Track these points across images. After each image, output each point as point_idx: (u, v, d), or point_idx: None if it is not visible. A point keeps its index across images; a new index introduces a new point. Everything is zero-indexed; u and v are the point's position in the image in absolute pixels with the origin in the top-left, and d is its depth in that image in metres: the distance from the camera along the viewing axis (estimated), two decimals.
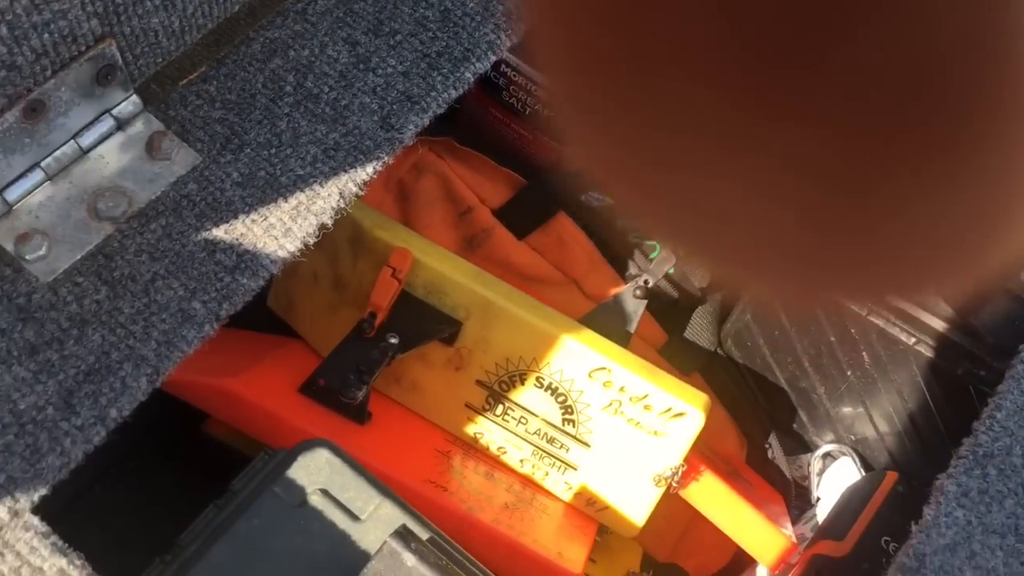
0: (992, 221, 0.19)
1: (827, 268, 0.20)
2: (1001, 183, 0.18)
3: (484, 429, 0.86)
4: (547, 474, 0.86)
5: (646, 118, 0.18)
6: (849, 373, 0.95)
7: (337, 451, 0.66)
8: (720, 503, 0.86)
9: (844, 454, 1.00)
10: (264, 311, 0.91)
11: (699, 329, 1.04)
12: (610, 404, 0.82)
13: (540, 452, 0.86)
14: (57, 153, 0.62)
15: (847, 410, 0.98)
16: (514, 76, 0.93)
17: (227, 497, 0.66)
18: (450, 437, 0.87)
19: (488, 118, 0.99)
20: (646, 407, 0.81)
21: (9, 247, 0.60)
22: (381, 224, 0.84)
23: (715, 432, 0.99)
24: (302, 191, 0.65)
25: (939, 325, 0.88)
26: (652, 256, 1.00)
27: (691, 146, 0.18)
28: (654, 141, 0.18)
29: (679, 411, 0.80)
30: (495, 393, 0.85)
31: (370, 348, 0.80)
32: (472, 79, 0.71)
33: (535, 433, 0.85)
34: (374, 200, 0.96)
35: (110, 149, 0.65)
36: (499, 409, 0.85)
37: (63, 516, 0.58)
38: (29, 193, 0.62)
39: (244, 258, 0.62)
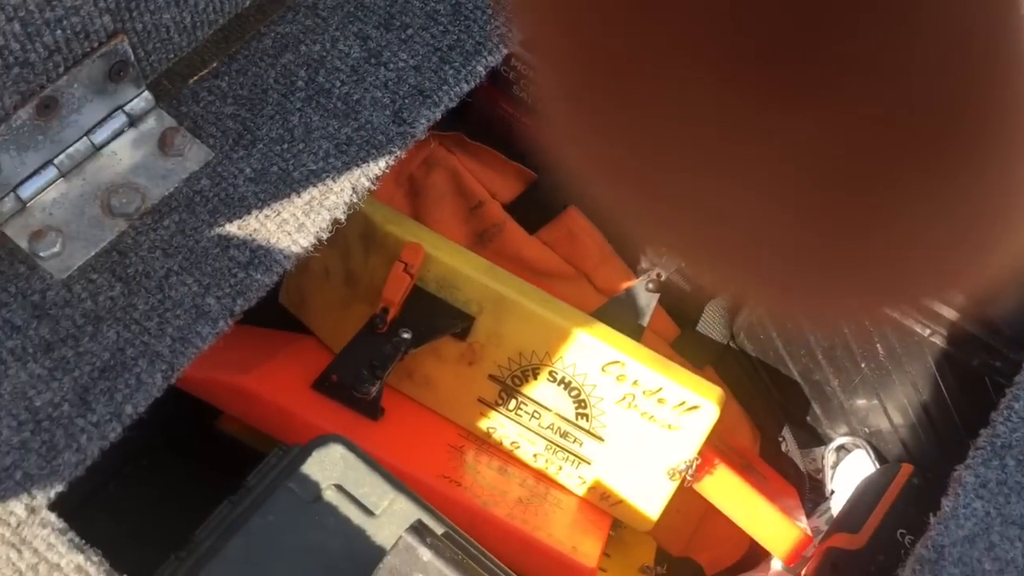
0: (991, 222, 0.19)
1: (827, 272, 0.19)
2: (1000, 184, 0.18)
3: (497, 424, 0.86)
4: (560, 468, 0.86)
5: (646, 111, 0.17)
6: (863, 365, 0.95)
7: (351, 447, 0.66)
8: (734, 496, 0.86)
9: (858, 447, 1.00)
10: (276, 308, 0.91)
11: (711, 322, 1.03)
12: (624, 398, 0.82)
13: (553, 447, 0.86)
14: (70, 150, 0.62)
15: (861, 402, 0.98)
16: (525, 70, 0.93)
17: (242, 493, 0.66)
18: (463, 432, 0.87)
19: (498, 112, 0.99)
20: (660, 400, 0.81)
21: (23, 244, 0.60)
22: (392, 219, 0.84)
23: (728, 426, 0.98)
24: (315, 186, 0.65)
25: (954, 316, 0.87)
26: None
27: (691, 140, 0.17)
28: (654, 136, 0.18)
29: (693, 404, 0.80)
30: (508, 388, 0.85)
31: (383, 343, 0.80)
32: (484, 72, 0.71)
33: (548, 427, 0.85)
34: (385, 195, 0.96)
35: (123, 146, 0.64)
36: (512, 404, 0.85)
37: (78, 513, 0.58)
38: (43, 190, 0.62)
39: (258, 254, 0.62)
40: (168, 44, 0.63)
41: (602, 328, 0.82)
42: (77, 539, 0.54)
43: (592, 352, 0.81)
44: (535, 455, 0.86)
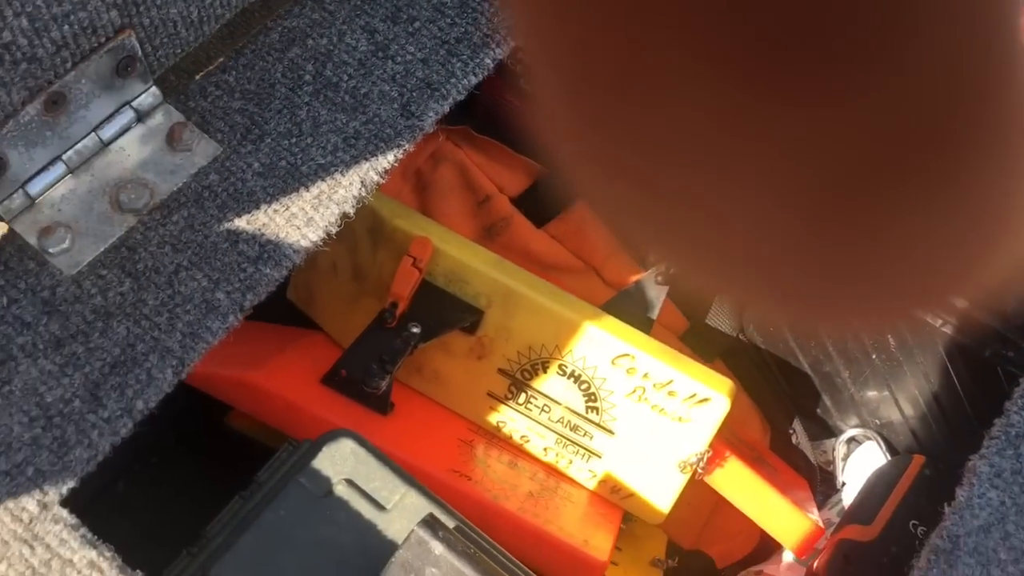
0: (991, 225, 0.18)
1: (829, 276, 0.19)
2: (1000, 184, 0.18)
3: (507, 418, 0.86)
4: (571, 462, 0.86)
5: (645, 105, 0.17)
6: (874, 356, 0.94)
7: (362, 441, 0.66)
8: (745, 489, 0.86)
9: (869, 438, 0.99)
10: (284, 303, 0.91)
11: (721, 314, 1.03)
12: (634, 391, 0.81)
13: (564, 440, 0.85)
14: (78, 146, 0.62)
15: (872, 394, 0.97)
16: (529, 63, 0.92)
17: (253, 488, 0.66)
18: (473, 426, 0.87)
19: (506, 105, 0.98)
20: (670, 393, 0.80)
21: (32, 240, 0.60)
22: (400, 213, 0.83)
23: (738, 418, 0.98)
24: (323, 180, 0.64)
25: (966, 306, 0.87)
26: None
27: (691, 134, 0.17)
28: (653, 130, 0.17)
29: (704, 396, 0.80)
30: (517, 381, 0.84)
31: (392, 338, 0.80)
32: (492, 65, 0.70)
33: (558, 421, 0.85)
34: (392, 190, 0.96)
35: (131, 141, 0.64)
36: (522, 397, 0.85)
37: (89, 509, 0.58)
38: (51, 186, 0.62)
39: (267, 248, 0.62)
40: (175, 39, 0.63)
41: (612, 321, 0.82)
42: (89, 535, 0.54)
43: (602, 345, 0.81)
44: (545, 449, 0.86)
